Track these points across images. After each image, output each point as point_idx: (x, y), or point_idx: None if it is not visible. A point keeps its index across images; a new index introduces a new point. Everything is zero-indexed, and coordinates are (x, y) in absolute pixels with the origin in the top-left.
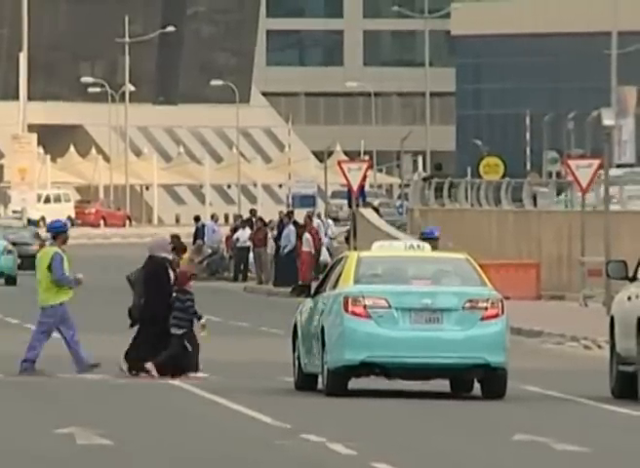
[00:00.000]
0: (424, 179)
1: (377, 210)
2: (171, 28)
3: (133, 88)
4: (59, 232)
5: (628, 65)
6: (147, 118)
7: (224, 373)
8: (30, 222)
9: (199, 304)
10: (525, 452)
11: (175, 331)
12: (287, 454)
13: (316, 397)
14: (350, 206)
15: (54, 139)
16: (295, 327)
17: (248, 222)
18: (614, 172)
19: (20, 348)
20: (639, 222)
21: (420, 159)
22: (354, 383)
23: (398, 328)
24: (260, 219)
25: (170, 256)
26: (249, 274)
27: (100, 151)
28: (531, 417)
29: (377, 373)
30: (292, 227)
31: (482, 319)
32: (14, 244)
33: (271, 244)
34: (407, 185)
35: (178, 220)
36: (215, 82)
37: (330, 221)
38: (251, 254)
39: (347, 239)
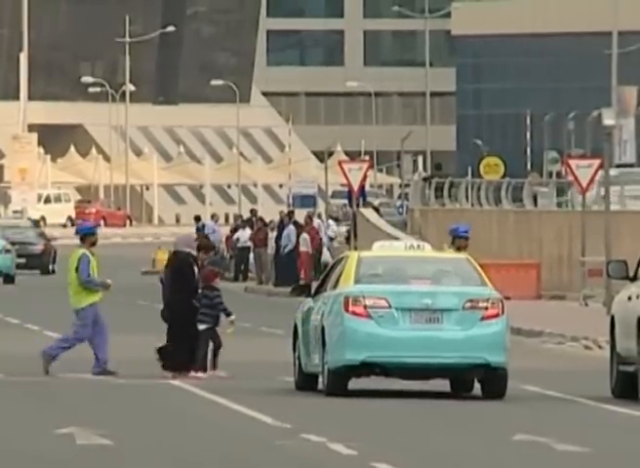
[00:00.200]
0: (425, 179)
1: (377, 210)
2: (171, 28)
3: (133, 88)
4: (87, 234)
5: (629, 65)
6: (148, 118)
7: (224, 373)
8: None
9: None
10: (525, 452)
11: (200, 326)
12: (287, 455)
13: (316, 397)
14: (351, 206)
15: (54, 139)
16: (295, 327)
17: (248, 222)
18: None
19: (20, 349)
20: (639, 222)
21: (420, 159)
22: (354, 383)
23: (398, 328)
24: (261, 220)
25: (194, 252)
26: (249, 274)
27: (100, 151)
28: (531, 417)
29: (377, 373)
30: (292, 227)
31: (482, 319)
32: (19, 243)
33: (272, 244)
34: (407, 185)
35: (178, 220)
36: (215, 82)
37: (331, 221)
38: (251, 255)
39: (348, 239)
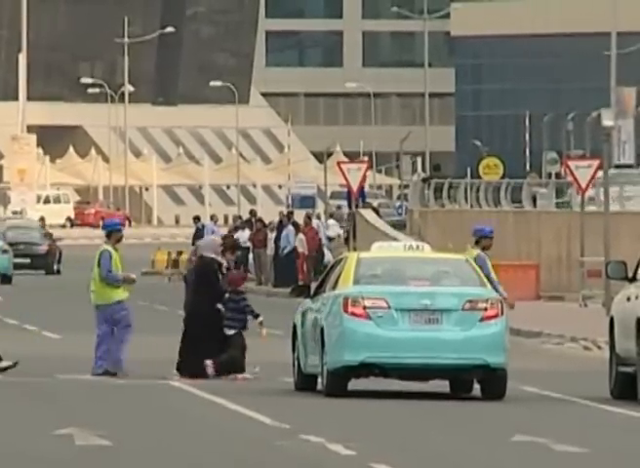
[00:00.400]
0: (424, 180)
1: (376, 210)
2: (170, 29)
3: (132, 88)
4: (112, 231)
5: (628, 66)
6: (147, 119)
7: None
8: None
9: None
10: (524, 453)
11: (227, 331)
12: (286, 455)
13: (316, 397)
14: (350, 206)
15: (53, 140)
16: (294, 327)
17: (247, 223)
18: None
19: (18, 349)
20: (638, 223)
21: (419, 160)
22: (354, 384)
23: (398, 328)
24: (260, 220)
25: (219, 258)
26: (248, 275)
27: (99, 152)
28: (530, 418)
29: (376, 374)
30: (291, 228)
31: (481, 319)
32: (23, 244)
33: (271, 245)
34: (406, 186)
35: (177, 221)
36: (214, 83)
37: (331, 221)
38: (250, 255)
39: (347, 240)
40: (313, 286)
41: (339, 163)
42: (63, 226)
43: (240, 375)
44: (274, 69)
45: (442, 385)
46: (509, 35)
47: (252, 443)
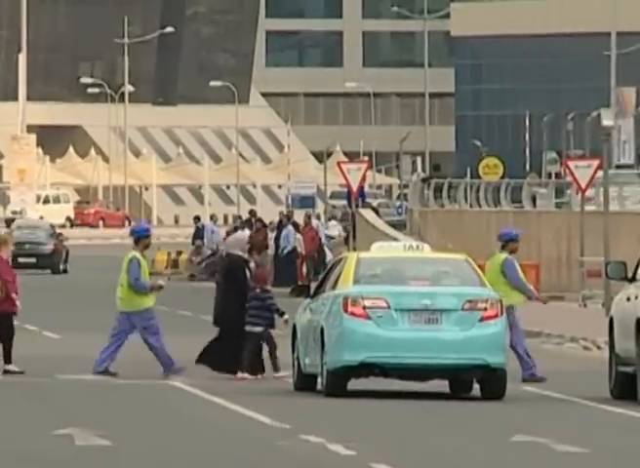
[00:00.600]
0: (424, 180)
1: (376, 210)
2: (170, 29)
3: (132, 88)
4: (141, 237)
5: (628, 66)
6: (146, 119)
7: (224, 374)
8: None
9: (198, 304)
10: (524, 453)
11: (250, 328)
12: (286, 455)
13: (315, 397)
14: (350, 206)
15: (53, 140)
16: (294, 327)
17: (247, 223)
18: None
19: (18, 349)
20: (638, 223)
21: (419, 160)
22: (354, 384)
23: (397, 328)
24: (260, 220)
25: (246, 255)
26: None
27: (99, 152)
28: (530, 418)
29: (376, 374)
30: (291, 228)
31: (481, 319)
32: (29, 243)
33: (271, 245)
34: (406, 186)
35: (177, 221)
36: (214, 83)
37: (333, 221)
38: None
39: (346, 239)
40: (313, 286)
41: (338, 163)
42: (63, 226)
43: (240, 375)
44: (274, 69)
45: (442, 385)
46: (509, 35)
47: (252, 443)
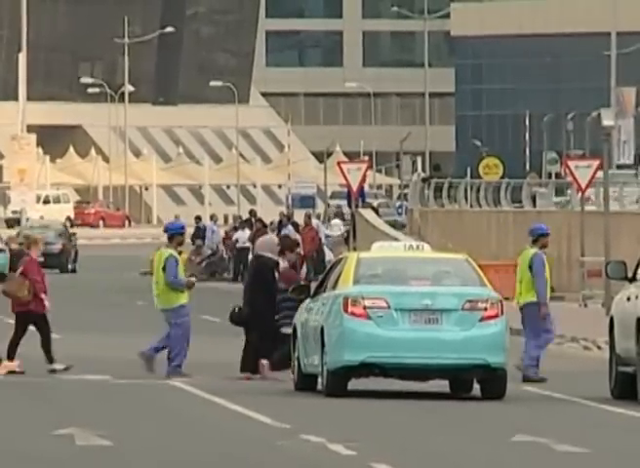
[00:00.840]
0: (424, 180)
1: (376, 210)
2: (170, 29)
3: (132, 88)
4: (175, 234)
5: (628, 66)
6: (147, 118)
7: (224, 374)
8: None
9: (198, 304)
10: (525, 453)
11: (285, 330)
12: (286, 455)
13: (316, 397)
14: (350, 206)
15: (53, 140)
16: (294, 327)
17: (247, 223)
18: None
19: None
20: (638, 223)
21: (419, 159)
22: (354, 384)
23: (398, 328)
24: (260, 220)
25: (276, 257)
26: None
27: (99, 152)
28: (530, 418)
29: (376, 374)
30: (291, 228)
31: (481, 319)
32: None
33: None
34: (406, 186)
35: None
36: (214, 82)
37: (338, 220)
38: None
39: (346, 239)
40: (313, 286)
41: (339, 163)
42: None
43: (244, 375)
44: (274, 69)
45: (442, 385)
46: (509, 35)
47: (252, 443)
